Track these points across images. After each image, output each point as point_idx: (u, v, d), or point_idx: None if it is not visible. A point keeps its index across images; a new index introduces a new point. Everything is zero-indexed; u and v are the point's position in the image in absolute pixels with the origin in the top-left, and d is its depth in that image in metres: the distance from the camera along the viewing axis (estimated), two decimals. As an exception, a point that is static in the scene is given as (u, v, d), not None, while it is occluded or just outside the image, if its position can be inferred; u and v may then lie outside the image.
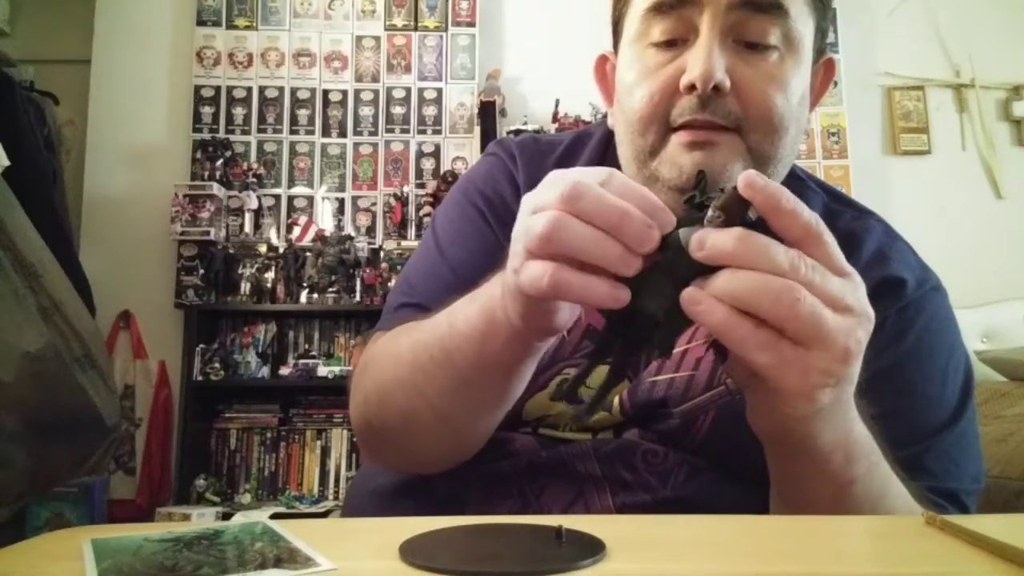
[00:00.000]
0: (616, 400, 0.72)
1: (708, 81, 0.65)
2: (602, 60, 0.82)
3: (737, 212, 0.46)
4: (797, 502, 0.58)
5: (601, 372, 0.72)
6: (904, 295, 0.72)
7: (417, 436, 0.69)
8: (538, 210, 0.48)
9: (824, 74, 0.77)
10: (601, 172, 0.48)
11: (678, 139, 0.68)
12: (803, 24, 0.70)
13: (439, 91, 3.30)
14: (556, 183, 0.48)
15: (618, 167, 0.78)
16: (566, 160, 0.82)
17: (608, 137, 0.82)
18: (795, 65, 0.70)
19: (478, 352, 0.58)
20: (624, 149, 0.74)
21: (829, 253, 0.47)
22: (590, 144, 0.83)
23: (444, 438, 0.68)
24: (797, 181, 0.79)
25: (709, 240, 0.46)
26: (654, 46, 0.70)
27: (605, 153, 0.81)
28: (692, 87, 0.67)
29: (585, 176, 0.48)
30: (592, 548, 0.41)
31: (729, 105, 0.67)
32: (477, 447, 0.70)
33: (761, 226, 0.47)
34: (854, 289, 0.48)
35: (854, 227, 0.77)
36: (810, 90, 0.74)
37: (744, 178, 0.46)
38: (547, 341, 0.58)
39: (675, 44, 0.69)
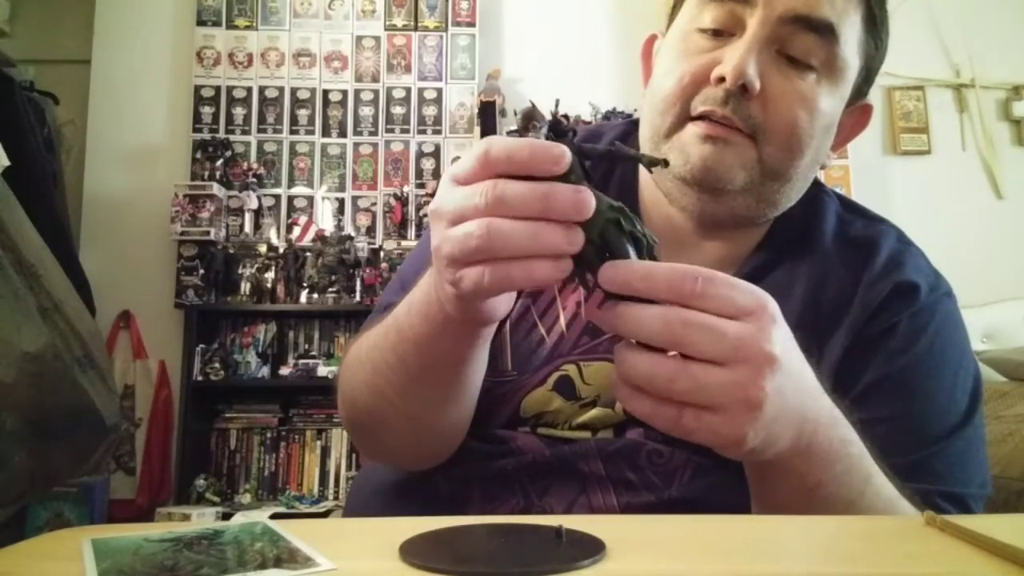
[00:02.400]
0: None
1: (738, 78, 0.66)
2: (651, 39, 0.82)
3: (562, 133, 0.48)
4: (766, 501, 0.58)
5: (600, 368, 0.73)
6: (917, 300, 0.72)
7: (387, 434, 0.70)
8: (458, 219, 0.47)
9: (859, 118, 0.78)
10: (478, 148, 0.47)
11: (694, 128, 0.69)
12: (850, 54, 0.70)
13: (439, 91, 3.30)
14: (470, 190, 0.46)
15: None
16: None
17: (623, 136, 0.83)
18: (830, 92, 0.70)
19: (428, 354, 0.59)
20: (644, 128, 0.75)
21: (717, 300, 0.46)
22: (602, 143, 0.83)
23: (411, 434, 0.69)
24: (813, 186, 0.78)
25: (604, 318, 0.47)
26: (700, 32, 0.71)
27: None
28: (721, 79, 0.67)
29: (469, 162, 0.47)
30: (592, 548, 0.41)
31: (752, 109, 0.68)
32: (450, 442, 0.71)
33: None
34: (751, 331, 0.46)
35: (868, 234, 0.77)
36: (839, 128, 0.75)
37: (601, 276, 0.46)
38: (493, 327, 0.59)
39: (720, 35, 0.70)
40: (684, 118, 0.70)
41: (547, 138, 0.48)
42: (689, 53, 0.70)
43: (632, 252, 0.47)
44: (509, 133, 3.07)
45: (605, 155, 0.49)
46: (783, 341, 0.48)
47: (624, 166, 0.80)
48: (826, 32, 0.68)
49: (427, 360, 0.60)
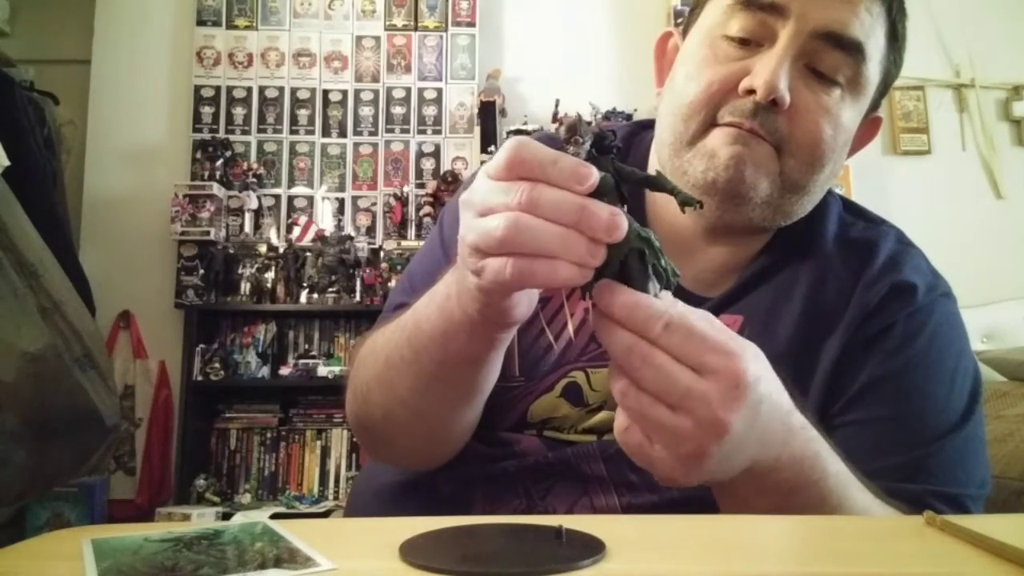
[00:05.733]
0: None
1: (770, 92, 0.66)
2: (665, 36, 0.82)
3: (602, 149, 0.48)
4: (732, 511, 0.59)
5: (605, 374, 0.72)
6: (914, 300, 0.72)
7: (395, 433, 0.70)
8: (487, 212, 0.47)
9: (868, 129, 0.78)
10: (509, 148, 0.47)
11: (720, 133, 0.69)
12: (873, 72, 0.71)
13: (439, 91, 3.30)
14: (504, 186, 0.46)
15: (640, 166, 0.79)
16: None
17: (628, 137, 0.83)
18: (852, 107, 0.71)
19: (442, 350, 0.59)
20: (663, 132, 0.74)
21: (678, 349, 0.47)
22: None
23: (419, 433, 0.69)
24: None
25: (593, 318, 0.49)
26: (727, 39, 0.70)
27: (627, 153, 0.82)
28: (751, 91, 0.67)
29: (500, 160, 0.47)
30: (592, 548, 0.41)
31: (778, 123, 0.68)
32: (456, 443, 0.71)
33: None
34: (706, 391, 0.46)
35: (869, 235, 0.78)
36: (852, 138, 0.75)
37: (595, 292, 0.48)
38: (510, 332, 0.59)
39: (748, 44, 0.69)
40: (709, 125, 0.70)
41: (589, 154, 0.47)
42: (716, 60, 0.70)
43: (652, 285, 0.47)
44: (509, 133, 3.07)
45: (643, 181, 0.49)
46: (745, 409, 0.47)
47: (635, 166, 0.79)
48: (854, 51, 0.68)
49: (442, 357, 0.60)
